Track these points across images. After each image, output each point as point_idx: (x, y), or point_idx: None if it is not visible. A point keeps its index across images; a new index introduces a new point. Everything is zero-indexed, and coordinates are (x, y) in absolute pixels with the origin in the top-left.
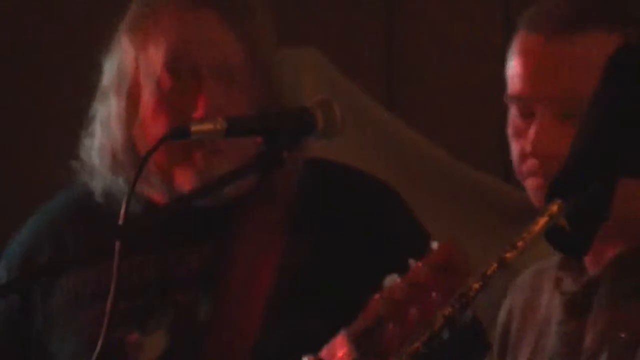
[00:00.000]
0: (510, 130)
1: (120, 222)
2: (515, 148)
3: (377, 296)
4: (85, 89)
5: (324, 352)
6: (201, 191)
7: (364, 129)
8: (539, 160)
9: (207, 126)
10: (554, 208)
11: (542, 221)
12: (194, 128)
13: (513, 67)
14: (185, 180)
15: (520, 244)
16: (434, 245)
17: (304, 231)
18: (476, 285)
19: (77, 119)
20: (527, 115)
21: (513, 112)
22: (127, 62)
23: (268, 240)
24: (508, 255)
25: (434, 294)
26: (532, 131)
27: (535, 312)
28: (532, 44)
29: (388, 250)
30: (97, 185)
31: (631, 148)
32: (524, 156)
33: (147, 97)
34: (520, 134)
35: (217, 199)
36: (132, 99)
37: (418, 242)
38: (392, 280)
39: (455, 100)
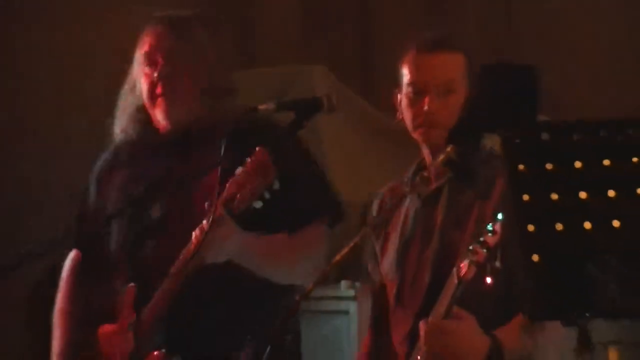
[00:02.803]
0: (406, 103)
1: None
2: (410, 113)
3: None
4: None
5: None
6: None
7: (354, 116)
8: (430, 116)
9: (266, 106)
10: (449, 149)
11: (442, 157)
12: (260, 107)
13: (414, 68)
14: (160, 118)
15: (432, 169)
16: (247, 159)
17: (234, 154)
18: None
19: None
20: (420, 93)
21: (409, 92)
22: (135, 64)
23: (214, 153)
24: (425, 174)
25: (248, 186)
26: (427, 100)
27: (400, 210)
28: (424, 57)
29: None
30: (121, 133)
31: (487, 118)
32: (418, 116)
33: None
34: (414, 104)
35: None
36: (134, 80)
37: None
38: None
39: None
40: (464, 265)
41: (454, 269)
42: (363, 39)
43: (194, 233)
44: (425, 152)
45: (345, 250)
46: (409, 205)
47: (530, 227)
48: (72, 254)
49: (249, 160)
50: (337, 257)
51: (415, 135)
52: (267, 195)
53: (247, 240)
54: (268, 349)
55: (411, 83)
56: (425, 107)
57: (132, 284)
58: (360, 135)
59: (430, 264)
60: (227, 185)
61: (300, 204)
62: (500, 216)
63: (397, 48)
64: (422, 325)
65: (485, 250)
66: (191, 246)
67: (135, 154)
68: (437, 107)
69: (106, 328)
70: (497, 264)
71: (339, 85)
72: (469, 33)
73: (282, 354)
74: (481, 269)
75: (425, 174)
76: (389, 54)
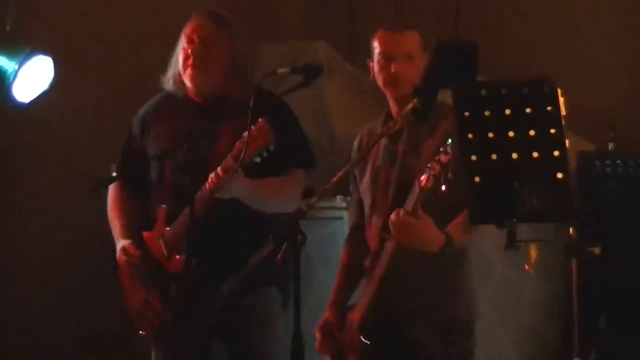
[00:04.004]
0: (377, 68)
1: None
2: (381, 75)
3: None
4: None
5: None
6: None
7: (346, 79)
8: (395, 76)
9: (283, 69)
10: (415, 101)
11: (410, 106)
12: (279, 70)
13: (384, 43)
14: (187, 83)
15: (403, 113)
16: (252, 126)
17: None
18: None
19: None
20: (388, 60)
21: (380, 60)
22: (180, 41)
23: (234, 118)
24: (391, 124)
25: (252, 146)
26: (393, 65)
27: (374, 146)
28: (390, 35)
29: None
30: (169, 89)
31: (442, 78)
32: (387, 77)
33: (182, 48)
34: (384, 69)
35: (209, 99)
36: (179, 53)
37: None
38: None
39: None
40: (424, 177)
41: (416, 181)
42: (352, 22)
43: (210, 177)
44: (392, 103)
45: (339, 175)
46: (380, 142)
47: (473, 157)
48: (114, 183)
49: (253, 127)
50: (334, 180)
51: (385, 91)
52: (264, 154)
53: (249, 184)
54: (284, 245)
55: (381, 53)
56: (392, 70)
57: (164, 206)
58: (351, 93)
59: (395, 181)
60: (237, 144)
61: (289, 156)
62: (450, 140)
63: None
64: (393, 216)
65: (439, 166)
66: (207, 186)
67: (173, 110)
68: (400, 70)
69: (146, 234)
70: (449, 175)
71: (335, 56)
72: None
73: (295, 250)
74: (437, 180)
75: (392, 119)
76: (371, 33)
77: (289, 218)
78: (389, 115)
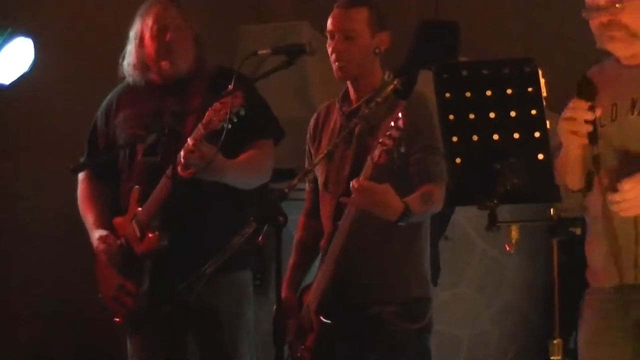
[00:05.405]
0: (328, 45)
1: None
2: (329, 53)
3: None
4: None
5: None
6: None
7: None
8: (334, 56)
9: (265, 50)
10: (396, 81)
11: (390, 87)
12: (260, 52)
13: (330, 21)
14: (165, 68)
15: (383, 94)
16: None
17: (213, 93)
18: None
19: None
20: (332, 38)
21: (328, 37)
22: (138, 27)
23: (199, 96)
24: (378, 100)
25: (222, 112)
26: (333, 43)
27: (330, 122)
28: (337, 12)
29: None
30: (129, 78)
31: (423, 59)
32: (331, 56)
33: (147, 38)
34: (329, 47)
35: (175, 77)
36: (141, 40)
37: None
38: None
39: None
40: (376, 153)
41: (369, 157)
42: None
43: (182, 152)
44: (349, 82)
45: (321, 156)
46: (336, 120)
47: (454, 138)
48: (82, 174)
49: (224, 95)
50: (316, 161)
51: (335, 68)
52: (235, 119)
53: (227, 164)
54: (266, 226)
55: (328, 31)
56: (330, 49)
57: (136, 187)
58: (333, 74)
59: (350, 161)
60: (207, 112)
61: (259, 125)
62: (400, 115)
63: None
64: (354, 182)
65: (392, 141)
66: (179, 160)
67: (136, 97)
68: (339, 50)
69: (117, 219)
70: (402, 149)
71: (318, 36)
72: None
73: (276, 231)
74: (390, 154)
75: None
76: None
77: (271, 199)
78: (346, 94)
